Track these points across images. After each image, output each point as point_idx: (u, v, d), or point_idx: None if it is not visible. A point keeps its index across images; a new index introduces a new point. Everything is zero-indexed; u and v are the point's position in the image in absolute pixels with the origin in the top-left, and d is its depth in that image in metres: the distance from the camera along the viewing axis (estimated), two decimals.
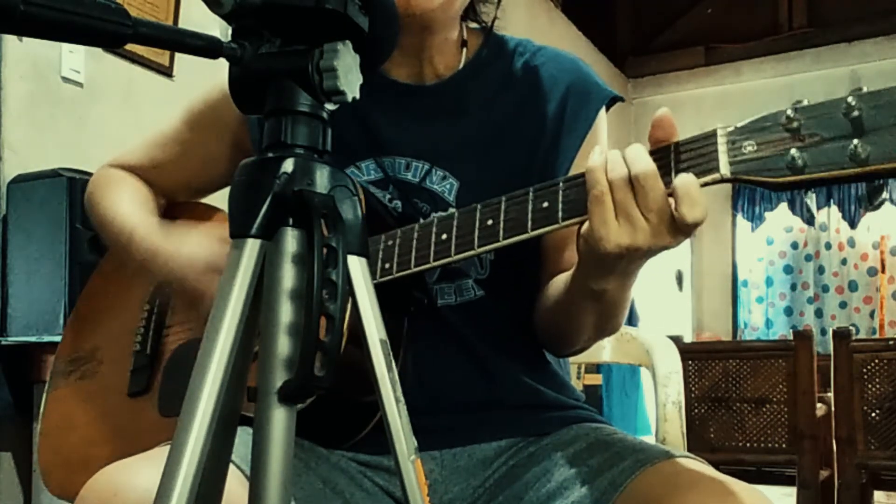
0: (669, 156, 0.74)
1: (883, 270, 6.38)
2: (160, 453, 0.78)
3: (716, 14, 6.59)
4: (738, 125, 0.73)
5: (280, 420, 0.54)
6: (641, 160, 0.74)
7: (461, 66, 1.02)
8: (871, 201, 6.23)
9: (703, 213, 0.72)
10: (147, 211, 1.08)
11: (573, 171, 0.98)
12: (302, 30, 0.58)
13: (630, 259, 0.77)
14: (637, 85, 6.86)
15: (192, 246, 0.96)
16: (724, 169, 0.72)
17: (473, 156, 0.98)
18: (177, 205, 1.17)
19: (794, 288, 6.64)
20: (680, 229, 0.73)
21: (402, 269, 0.87)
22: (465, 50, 1.03)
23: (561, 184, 0.80)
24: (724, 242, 6.73)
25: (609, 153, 0.76)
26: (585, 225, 0.77)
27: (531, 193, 0.81)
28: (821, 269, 6.54)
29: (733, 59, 6.58)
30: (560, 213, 0.79)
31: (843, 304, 6.46)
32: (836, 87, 6.09)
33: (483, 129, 1.00)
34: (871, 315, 6.38)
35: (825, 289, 6.52)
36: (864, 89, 0.67)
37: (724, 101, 6.49)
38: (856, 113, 0.67)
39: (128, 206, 1.07)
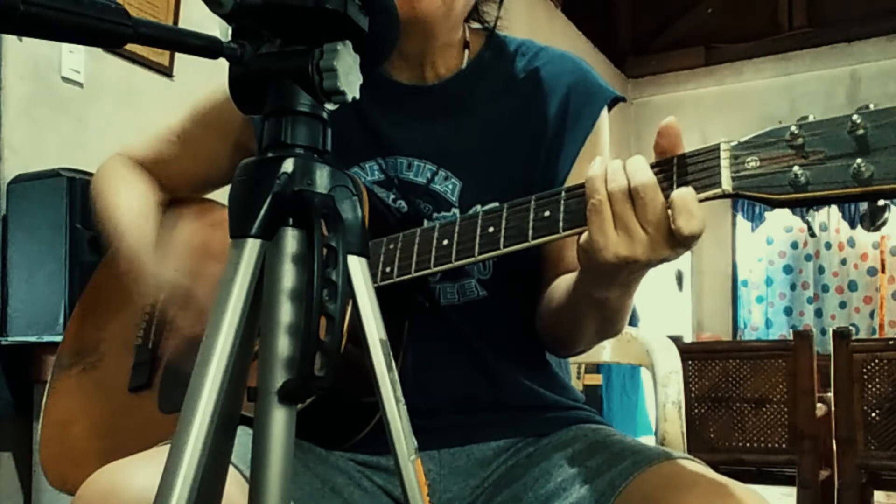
0: (672, 169, 0.74)
1: (883, 270, 6.38)
2: (159, 453, 0.78)
3: (716, 14, 6.59)
4: (742, 140, 0.72)
5: (280, 420, 0.54)
6: (641, 172, 0.73)
7: (463, 66, 1.02)
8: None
9: (701, 226, 0.71)
10: (144, 213, 1.09)
11: (575, 172, 0.98)
12: (302, 30, 0.58)
13: (630, 270, 0.76)
14: (637, 85, 6.85)
15: (172, 273, 0.98)
16: (727, 184, 0.71)
17: (476, 156, 0.98)
18: (178, 200, 1.17)
19: (794, 288, 6.64)
20: (678, 241, 0.73)
21: (403, 274, 0.88)
22: (467, 51, 1.03)
23: (563, 193, 0.80)
24: (724, 242, 6.72)
25: (610, 163, 0.75)
26: (584, 235, 0.77)
27: (532, 202, 0.81)
28: (821, 269, 6.54)
29: (733, 59, 6.58)
30: (561, 223, 0.79)
31: (843, 304, 6.46)
32: (835, 87, 6.10)
33: (485, 130, 1.00)
34: (871, 315, 6.38)
35: (825, 289, 6.52)
36: (871, 107, 0.67)
37: (724, 101, 6.48)
38: (861, 131, 0.66)
39: (125, 207, 1.08)
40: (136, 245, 1.02)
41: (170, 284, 0.98)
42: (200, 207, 1.17)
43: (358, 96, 0.60)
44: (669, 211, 0.72)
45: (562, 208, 0.79)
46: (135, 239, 1.03)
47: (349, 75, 0.58)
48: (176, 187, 1.16)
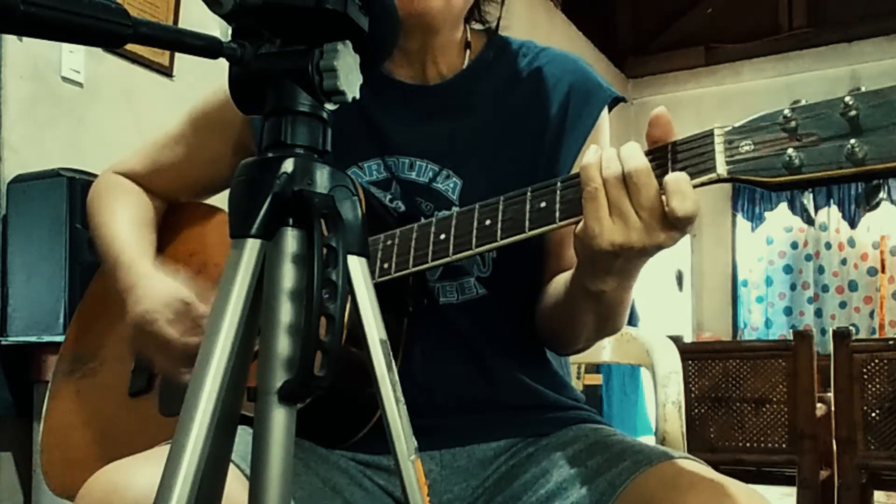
0: (666, 155, 0.74)
1: (883, 270, 6.38)
2: (159, 453, 0.78)
3: (716, 14, 6.59)
4: (736, 125, 0.73)
5: (280, 420, 0.54)
6: (635, 157, 0.74)
7: (465, 66, 1.02)
8: (868, 202, 6.23)
9: (694, 207, 0.71)
10: (138, 233, 1.08)
11: (575, 171, 0.98)
12: (302, 30, 0.58)
13: (626, 258, 0.76)
14: (637, 85, 6.86)
15: (164, 291, 0.95)
16: (721, 169, 0.72)
17: (477, 155, 0.99)
18: (178, 206, 1.17)
19: (794, 288, 6.64)
20: (673, 225, 0.73)
21: (401, 269, 0.87)
22: (468, 51, 1.03)
23: (559, 184, 0.80)
24: (724, 242, 6.73)
25: (604, 151, 0.76)
26: (580, 224, 0.77)
27: (529, 193, 0.81)
28: (821, 269, 6.54)
29: (733, 59, 6.58)
30: (557, 213, 0.79)
31: (843, 304, 6.46)
32: (836, 87, 6.09)
33: (486, 129, 1.00)
34: (871, 315, 6.38)
35: (825, 289, 6.52)
36: (863, 89, 0.67)
37: (724, 101, 6.49)
38: (853, 112, 0.67)
39: (118, 227, 1.07)
40: (128, 271, 1.00)
41: (169, 293, 0.96)
42: (200, 212, 1.17)
43: (358, 96, 0.60)
44: (663, 195, 0.72)
45: (558, 198, 0.79)
46: (127, 264, 1.01)
47: (349, 75, 0.58)
48: (176, 193, 1.16)
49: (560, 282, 0.93)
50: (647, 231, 0.74)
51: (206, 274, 1.09)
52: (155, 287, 0.96)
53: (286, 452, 0.54)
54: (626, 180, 0.74)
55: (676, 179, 0.72)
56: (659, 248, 0.75)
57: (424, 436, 0.68)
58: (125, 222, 1.08)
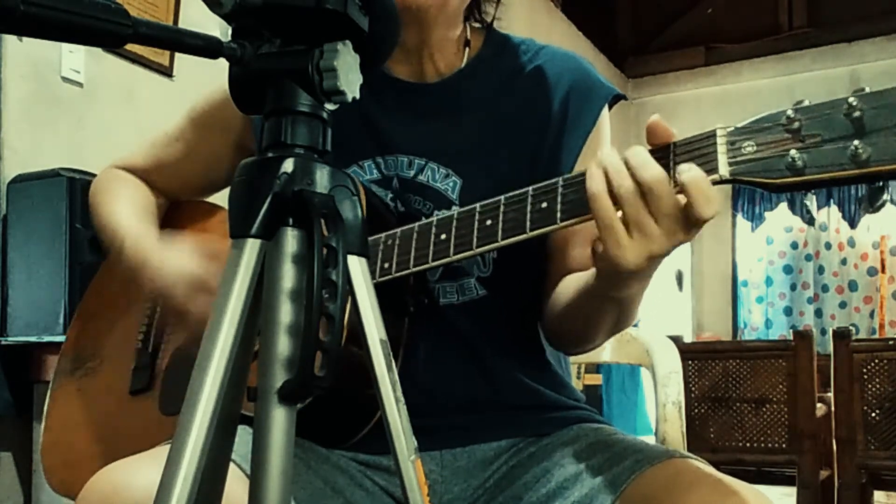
0: (668, 156, 0.74)
1: (883, 270, 6.38)
2: (160, 452, 0.78)
3: (716, 14, 6.59)
4: (738, 125, 0.72)
5: (280, 420, 0.54)
6: (649, 167, 0.71)
7: (464, 64, 1.02)
8: (871, 203, 6.23)
9: (718, 208, 0.71)
10: (142, 217, 1.08)
11: (576, 170, 0.97)
12: (302, 30, 0.58)
13: (649, 264, 0.76)
14: (637, 85, 6.86)
15: (178, 261, 0.96)
16: (724, 170, 0.71)
17: (476, 153, 0.98)
18: (179, 204, 1.17)
19: (794, 288, 6.64)
20: (694, 224, 0.72)
21: (401, 269, 0.87)
22: (467, 49, 1.03)
23: (560, 184, 0.79)
24: (724, 242, 6.73)
25: (608, 165, 0.73)
26: (600, 246, 0.75)
27: (530, 194, 0.81)
28: (821, 269, 6.54)
29: (733, 59, 6.59)
30: (559, 214, 0.78)
31: (843, 304, 6.46)
32: (836, 87, 6.10)
33: (486, 127, 1.00)
34: (871, 315, 6.38)
35: (825, 289, 6.53)
36: (867, 89, 0.67)
37: (724, 101, 6.49)
38: (857, 113, 0.66)
39: (123, 213, 1.07)
40: (137, 249, 1.01)
41: (170, 287, 0.97)
42: (200, 210, 1.17)
43: (358, 96, 0.60)
44: (680, 196, 0.71)
45: (559, 199, 0.79)
46: (135, 242, 1.02)
47: (349, 75, 0.58)
48: (176, 192, 1.16)
49: (572, 285, 0.92)
50: (667, 236, 0.72)
51: (205, 273, 1.09)
52: (167, 259, 0.96)
53: (286, 452, 0.54)
54: (644, 193, 0.71)
55: (696, 181, 0.70)
56: (679, 245, 0.74)
57: (424, 436, 0.67)
58: (129, 206, 1.08)
